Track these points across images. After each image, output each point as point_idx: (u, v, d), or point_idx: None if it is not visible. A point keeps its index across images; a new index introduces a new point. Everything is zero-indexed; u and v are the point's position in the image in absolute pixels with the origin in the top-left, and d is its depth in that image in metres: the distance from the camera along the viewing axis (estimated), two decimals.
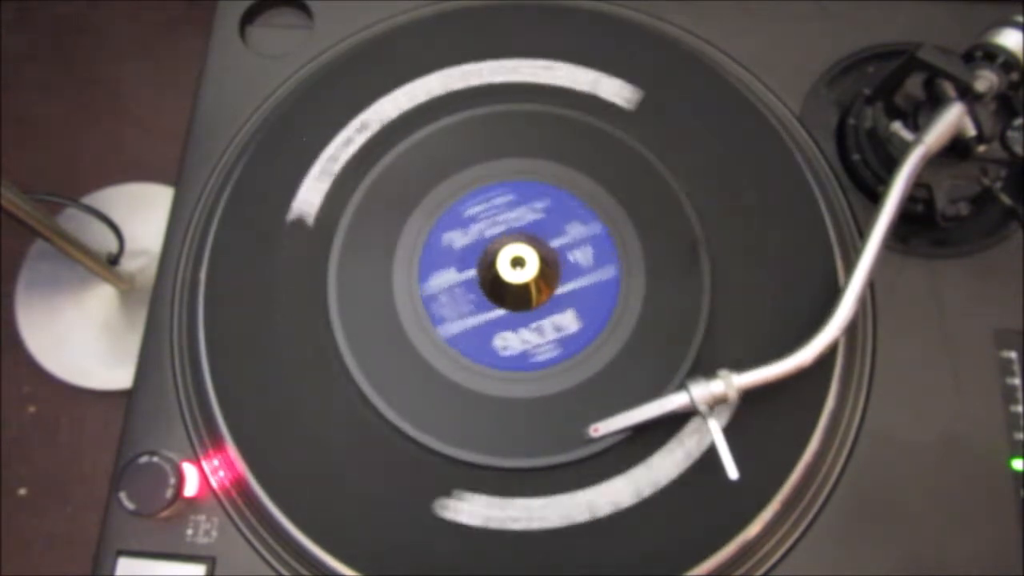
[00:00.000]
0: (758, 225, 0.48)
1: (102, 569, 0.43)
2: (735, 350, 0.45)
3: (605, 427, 0.42)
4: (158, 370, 0.47)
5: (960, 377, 0.46)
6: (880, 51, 0.53)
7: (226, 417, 0.44)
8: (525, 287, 0.46)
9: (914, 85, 0.47)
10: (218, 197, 0.50)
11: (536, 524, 0.42)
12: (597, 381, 0.45)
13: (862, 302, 0.44)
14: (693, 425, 0.43)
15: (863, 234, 0.44)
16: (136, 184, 1.15)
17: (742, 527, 0.42)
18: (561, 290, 0.46)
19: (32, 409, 1.07)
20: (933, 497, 0.44)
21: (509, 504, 0.42)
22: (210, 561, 0.43)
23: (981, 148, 0.45)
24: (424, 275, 0.47)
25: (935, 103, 0.46)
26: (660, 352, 0.45)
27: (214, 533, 0.44)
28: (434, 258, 0.47)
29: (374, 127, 0.50)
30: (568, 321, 0.46)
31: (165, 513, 0.42)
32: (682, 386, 0.42)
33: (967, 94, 0.44)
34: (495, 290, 0.46)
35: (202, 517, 0.44)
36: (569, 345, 0.45)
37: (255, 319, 0.47)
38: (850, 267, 0.43)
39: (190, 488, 0.43)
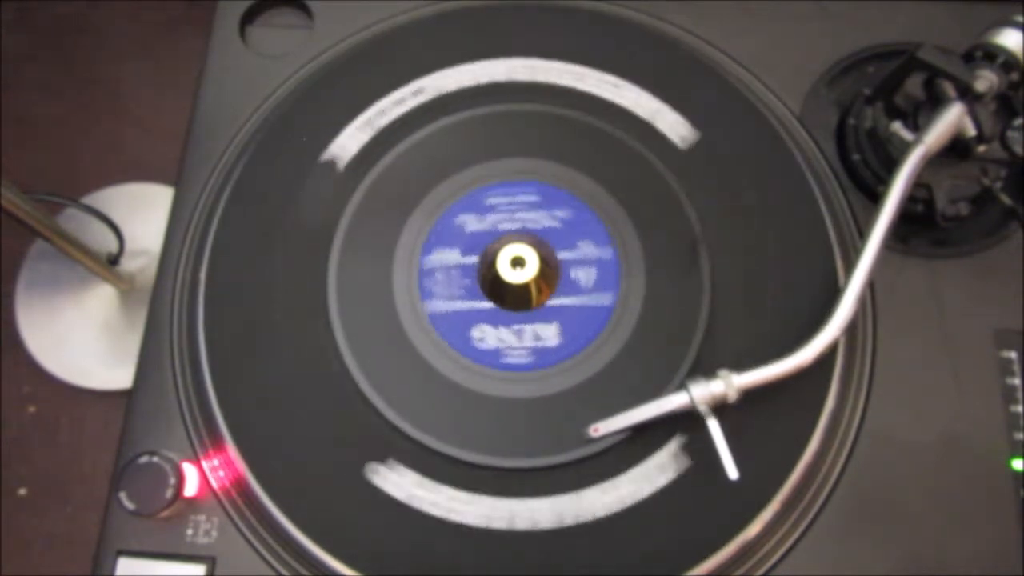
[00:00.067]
0: (758, 225, 0.48)
1: (102, 569, 0.43)
2: (735, 350, 0.45)
3: (605, 427, 0.42)
4: (158, 370, 0.47)
5: (960, 377, 0.46)
6: (880, 51, 0.53)
7: (226, 417, 0.44)
8: (525, 287, 0.46)
9: (914, 85, 0.47)
10: (218, 197, 0.50)
11: (454, 517, 0.42)
12: (597, 381, 0.45)
13: (862, 302, 0.44)
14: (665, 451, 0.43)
15: (863, 234, 0.44)
16: (136, 184, 1.15)
17: (742, 527, 0.42)
18: (554, 302, 0.46)
19: (32, 409, 1.07)
20: (933, 497, 0.44)
21: (436, 489, 0.43)
22: (210, 561, 0.43)
23: (981, 148, 0.45)
24: (428, 248, 0.47)
25: (935, 103, 0.46)
26: (660, 352, 0.45)
27: (214, 533, 0.44)
28: (442, 233, 0.47)
29: (428, 94, 0.51)
30: (549, 334, 0.45)
31: (165, 513, 0.42)
32: (682, 386, 0.42)
33: (967, 94, 0.44)
34: (495, 289, 0.46)
35: (202, 517, 0.44)
36: (543, 357, 0.45)
37: (255, 319, 0.47)
38: (850, 267, 0.43)
39: (190, 488, 0.44)
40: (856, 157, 0.50)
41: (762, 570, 0.43)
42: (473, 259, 0.47)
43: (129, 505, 0.42)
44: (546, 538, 0.42)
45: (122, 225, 1.00)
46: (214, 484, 0.45)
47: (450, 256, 0.47)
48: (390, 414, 0.44)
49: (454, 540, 0.42)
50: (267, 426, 0.44)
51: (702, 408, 0.41)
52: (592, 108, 0.51)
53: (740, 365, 0.42)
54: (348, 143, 0.50)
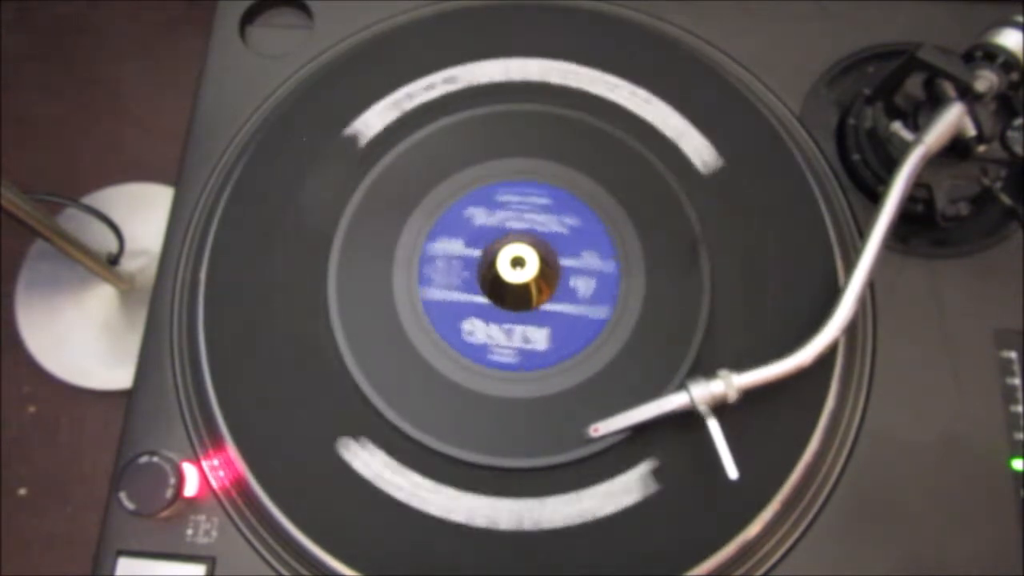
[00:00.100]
0: (758, 225, 0.48)
1: (102, 569, 0.43)
2: (735, 350, 0.45)
3: (605, 427, 0.42)
4: (158, 370, 0.47)
5: (960, 377, 0.46)
6: (880, 51, 0.53)
7: (226, 417, 0.44)
8: (525, 287, 0.46)
9: (914, 85, 0.47)
10: (218, 197, 0.50)
11: (416, 503, 0.42)
12: (597, 381, 0.45)
13: (862, 302, 0.44)
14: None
15: (863, 234, 0.44)
16: (136, 184, 1.15)
17: (742, 527, 0.42)
18: (549, 307, 0.46)
19: (32, 409, 1.07)
20: (933, 497, 0.44)
21: (400, 472, 0.43)
22: (210, 561, 0.43)
23: (981, 148, 0.45)
24: (433, 235, 0.47)
25: (935, 103, 0.46)
26: (660, 352, 0.45)
27: (214, 533, 0.44)
28: (450, 223, 0.48)
29: (459, 84, 0.51)
30: (539, 338, 0.45)
31: (165, 513, 0.42)
32: (682, 386, 0.42)
33: (967, 94, 0.44)
34: (495, 289, 0.46)
35: (202, 517, 0.44)
36: (528, 360, 0.45)
37: (255, 319, 0.47)
38: (850, 267, 0.43)
39: (190, 488, 0.43)
40: (856, 157, 0.50)
41: (762, 570, 0.43)
42: (475, 252, 0.47)
43: (129, 505, 0.42)
44: (547, 538, 0.42)
45: (122, 225, 1.00)
46: (214, 484, 0.45)
47: (454, 246, 0.47)
48: (390, 414, 0.44)
49: (454, 540, 0.42)
50: (267, 426, 0.44)
51: (702, 408, 0.41)
52: (618, 119, 0.50)
53: (740, 365, 0.42)
54: (373, 121, 0.50)
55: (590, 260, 0.46)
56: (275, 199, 0.49)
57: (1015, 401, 0.46)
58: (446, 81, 0.51)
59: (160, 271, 0.50)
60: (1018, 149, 0.46)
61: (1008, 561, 0.43)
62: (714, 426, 0.41)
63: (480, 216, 0.48)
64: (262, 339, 0.46)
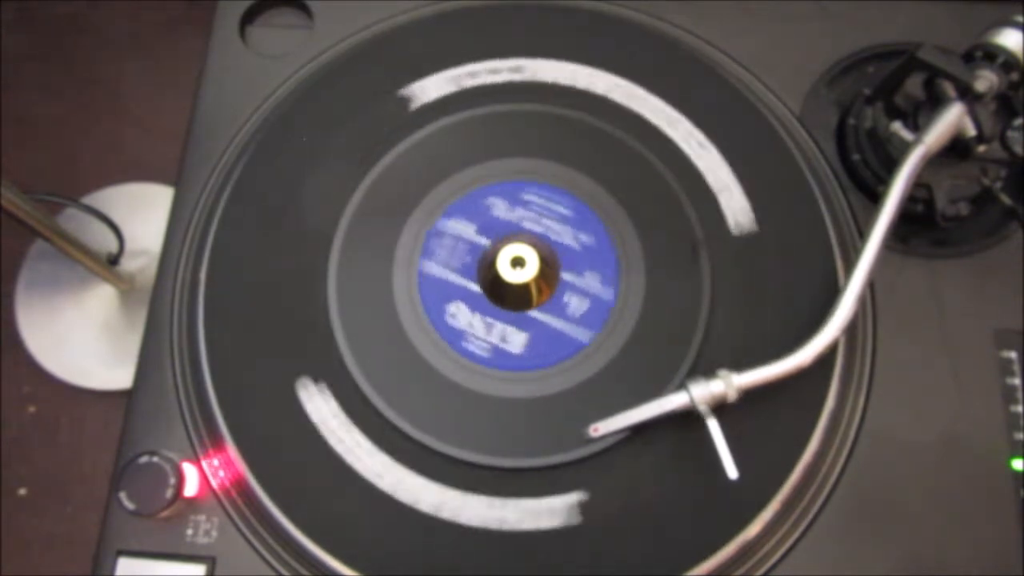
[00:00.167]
0: (758, 225, 0.48)
1: (102, 569, 0.43)
2: (735, 350, 0.45)
3: (605, 427, 0.42)
4: (158, 370, 0.47)
5: (960, 377, 0.46)
6: (880, 51, 0.53)
7: (226, 417, 0.44)
8: (525, 287, 0.46)
9: (914, 85, 0.47)
10: (218, 197, 0.50)
11: (357, 465, 0.43)
12: (597, 381, 0.45)
13: (862, 302, 0.44)
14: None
15: (863, 234, 0.44)
16: (136, 184, 1.15)
17: (742, 527, 0.42)
18: (536, 314, 0.46)
19: (32, 409, 1.07)
20: (933, 497, 0.44)
21: (347, 429, 0.43)
22: (210, 561, 0.43)
23: (981, 148, 0.45)
24: (449, 212, 0.47)
25: (935, 103, 0.46)
26: (660, 352, 0.45)
27: (214, 533, 0.44)
28: (468, 206, 0.48)
29: (524, 75, 0.51)
30: (516, 340, 0.45)
31: (165, 513, 0.42)
32: (682, 386, 0.42)
33: (967, 94, 0.44)
34: (495, 290, 0.46)
35: (202, 517, 0.44)
36: (499, 358, 0.45)
37: (255, 319, 0.47)
38: (850, 267, 0.43)
39: (190, 488, 0.43)
40: (856, 157, 0.50)
41: (762, 570, 0.43)
42: (484, 241, 0.47)
43: (129, 505, 0.42)
44: (547, 538, 0.42)
45: (122, 225, 1.00)
46: (214, 484, 0.45)
47: (466, 228, 0.47)
48: (390, 413, 0.44)
49: (453, 540, 0.42)
50: (267, 426, 0.44)
51: (702, 408, 0.41)
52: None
53: (740, 365, 0.42)
54: (430, 87, 0.51)
55: (591, 282, 0.46)
56: (275, 199, 0.49)
57: (1015, 401, 0.46)
58: (512, 70, 0.51)
59: (160, 271, 0.50)
60: (1018, 149, 0.46)
61: (1008, 561, 0.43)
62: (714, 426, 0.41)
63: (500, 208, 0.48)
64: (262, 339, 0.46)
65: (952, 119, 0.44)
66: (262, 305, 0.47)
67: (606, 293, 0.46)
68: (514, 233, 0.47)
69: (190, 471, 0.44)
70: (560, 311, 0.46)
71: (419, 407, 0.44)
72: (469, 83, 0.52)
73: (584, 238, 0.47)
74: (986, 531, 0.43)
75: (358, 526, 0.42)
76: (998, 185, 0.47)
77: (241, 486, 0.44)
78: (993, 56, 0.45)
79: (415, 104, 0.51)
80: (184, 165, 0.52)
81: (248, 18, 0.56)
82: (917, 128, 0.46)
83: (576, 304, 0.46)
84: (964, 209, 0.47)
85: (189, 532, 0.44)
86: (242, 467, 0.43)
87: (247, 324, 0.47)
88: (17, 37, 1.24)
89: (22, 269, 1.12)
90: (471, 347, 0.45)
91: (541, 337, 0.45)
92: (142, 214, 1.11)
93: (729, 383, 0.41)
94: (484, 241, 0.47)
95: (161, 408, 0.46)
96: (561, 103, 0.51)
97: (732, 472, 0.40)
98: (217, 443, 0.45)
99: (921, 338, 0.47)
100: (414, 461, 0.43)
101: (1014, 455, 0.45)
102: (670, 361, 0.45)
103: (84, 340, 1.08)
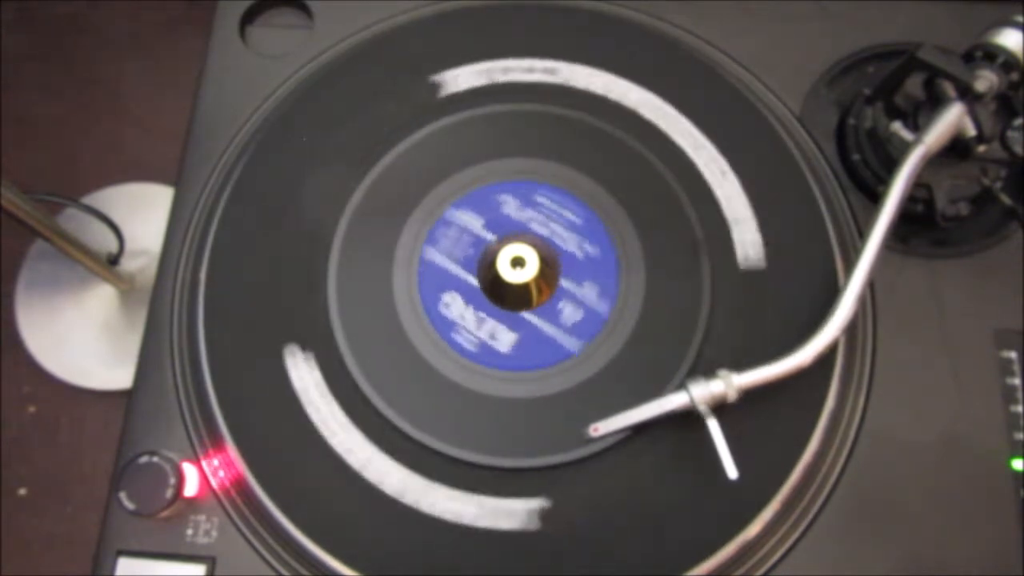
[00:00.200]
0: (758, 225, 0.48)
1: (102, 569, 0.43)
2: (735, 350, 0.45)
3: (605, 427, 0.42)
4: (158, 370, 0.47)
5: (960, 377, 0.46)
6: (880, 51, 0.53)
7: (226, 417, 0.44)
8: (525, 287, 0.46)
9: (914, 85, 0.47)
10: (218, 197, 0.50)
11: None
12: (597, 381, 0.45)
13: (862, 302, 0.44)
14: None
15: (863, 234, 0.44)
16: (136, 184, 1.15)
17: (742, 527, 0.42)
18: (528, 316, 0.46)
19: (32, 409, 1.07)
20: (933, 497, 0.44)
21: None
22: (210, 561, 0.43)
23: (981, 148, 0.45)
24: (459, 204, 0.48)
25: (935, 103, 0.46)
26: (660, 352, 0.45)
27: (214, 533, 0.44)
28: (479, 200, 0.48)
29: (558, 76, 0.51)
30: (505, 339, 0.45)
31: (165, 513, 0.42)
32: (682, 386, 0.42)
33: (967, 94, 0.44)
34: (494, 288, 0.46)
35: (202, 517, 0.44)
36: (486, 355, 0.45)
37: (255, 319, 0.47)
38: (850, 267, 0.43)
39: (190, 488, 0.44)
40: (856, 157, 0.50)
41: (762, 570, 0.43)
42: (490, 236, 0.47)
43: (129, 505, 0.42)
44: (547, 538, 0.42)
45: (122, 225, 1.00)
46: (214, 484, 0.45)
47: (474, 221, 0.47)
48: (389, 413, 0.44)
49: (453, 540, 0.42)
50: (267, 426, 0.44)
51: (702, 408, 0.41)
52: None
53: (740, 365, 0.42)
54: (462, 77, 0.51)
55: (588, 293, 0.46)
56: (275, 199, 0.49)
57: (1015, 401, 0.46)
58: (546, 71, 0.51)
59: (160, 271, 0.50)
60: (1018, 149, 0.46)
61: (1008, 561, 0.43)
62: (714, 426, 0.41)
63: (511, 206, 0.48)
64: (262, 339, 0.46)
65: (952, 119, 0.44)
66: (262, 305, 0.47)
67: (601, 307, 0.46)
68: (519, 233, 0.47)
69: (190, 471, 0.44)
70: (553, 317, 0.46)
71: (419, 407, 0.44)
72: (501, 78, 0.52)
73: (589, 248, 0.47)
74: (986, 531, 0.43)
75: (358, 526, 0.42)
76: (998, 185, 0.47)
77: (241, 486, 0.44)
78: (993, 56, 0.45)
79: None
80: (184, 165, 0.52)
81: (248, 18, 0.56)
82: (917, 128, 0.46)
83: (570, 312, 0.46)
84: (964, 209, 0.47)
85: (189, 532, 0.44)
86: (242, 467, 0.43)
87: (247, 324, 0.47)
88: (17, 37, 1.24)
89: (22, 269, 1.12)
90: (459, 339, 0.45)
91: (530, 340, 0.45)
92: (142, 214, 1.11)
93: (729, 383, 0.41)
94: (490, 236, 0.47)
95: (161, 408, 0.46)
96: (595, 113, 0.51)
97: (732, 472, 0.40)
98: (217, 443, 0.45)
99: (921, 338, 0.47)
100: (414, 461, 0.43)
101: (1014, 455, 0.45)
102: (670, 361, 0.45)
103: (84, 340, 1.08)
